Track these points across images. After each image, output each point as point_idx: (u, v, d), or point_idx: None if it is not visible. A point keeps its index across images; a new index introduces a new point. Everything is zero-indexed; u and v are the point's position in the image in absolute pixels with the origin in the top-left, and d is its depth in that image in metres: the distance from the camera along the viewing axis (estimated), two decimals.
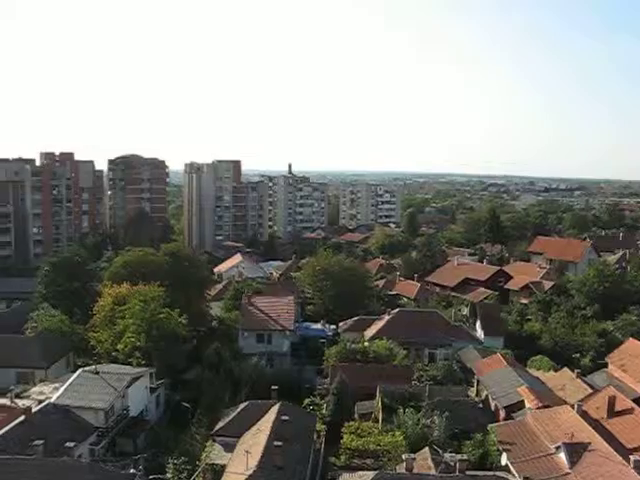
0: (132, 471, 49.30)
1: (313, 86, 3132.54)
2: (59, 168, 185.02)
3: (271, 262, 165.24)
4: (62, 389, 62.09)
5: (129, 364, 71.07)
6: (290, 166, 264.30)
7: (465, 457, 48.19)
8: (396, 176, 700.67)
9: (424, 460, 49.42)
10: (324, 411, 66.40)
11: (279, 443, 49.21)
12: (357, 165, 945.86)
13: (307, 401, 68.59)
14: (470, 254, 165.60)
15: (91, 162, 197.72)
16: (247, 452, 48.11)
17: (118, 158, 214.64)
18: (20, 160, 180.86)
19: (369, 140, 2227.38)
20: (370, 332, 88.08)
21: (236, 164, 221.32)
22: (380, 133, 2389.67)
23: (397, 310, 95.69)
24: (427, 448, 51.94)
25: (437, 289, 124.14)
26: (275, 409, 57.60)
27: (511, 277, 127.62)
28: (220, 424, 60.44)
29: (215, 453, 56.71)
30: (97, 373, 63.91)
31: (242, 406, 62.15)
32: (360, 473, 49.06)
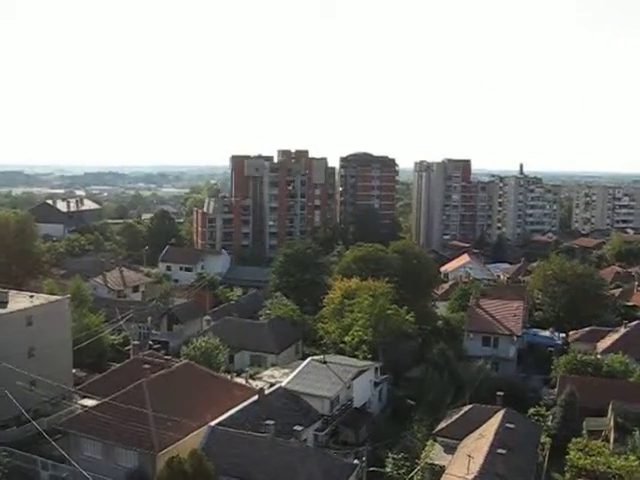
0: (355, 461, 50.61)
1: (541, 84, 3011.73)
2: (295, 165, 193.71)
3: (499, 264, 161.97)
4: (292, 375, 64.98)
5: (355, 357, 72.93)
6: (522, 166, 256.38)
7: None
8: (636, 178, 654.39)
9: None
10: (549, 423, 63.80)
11: (502, 451, 48.07)
12: (592, 166, 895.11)
13: (532, 411, 66.26)
14: None
15: (324, 159, 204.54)
16: (469, 456, 47.48)
17: (350, 156, 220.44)
18: (260, 157, 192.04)
19: (605, 139, 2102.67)
20: (604, 344, 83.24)
21: (466, 163, 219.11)
22: (617, 131, 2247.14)
23: (635, 323, 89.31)
24: None
25: None
26: (500, 415, 56.31)
27: None
28: (442, 424, 60.25)
29: (435, 453, 56.61)
30: (325, 363, 66.13)
31: (465, 409, 61.52)
32: None
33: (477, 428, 56.03)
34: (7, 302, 66.75)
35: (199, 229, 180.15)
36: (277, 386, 63.30)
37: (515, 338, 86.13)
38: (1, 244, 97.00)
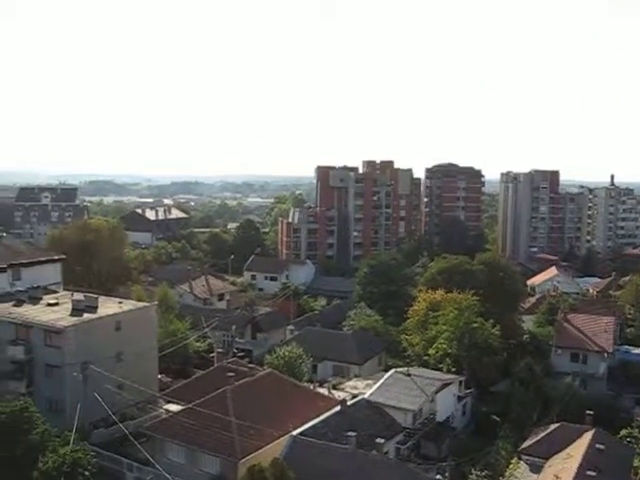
0: (438, 477, 49.76)
1: (632, 91, 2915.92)
2: (380, 176, 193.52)
3: (588, 278, 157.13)
4: (375, 387, 64.61)
5: (439, 370, 71.97)
6: (612, 177, 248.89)
7: None
8: None
9: None
10: None
11: (592, 473, 46.41)
12: None
13: (624, 432, 63.52)
14: None
15: (409, 170, 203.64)
16: (556, 477, 46.11)
17: (435, 167, 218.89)
18: (345, 168, 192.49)
19: None
20: None
21: (554, 174, 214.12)
22: None
23: None
24: None
25: None
26: (589, 435, 54.38)
27: None
28: (528, 442, 58.62)
29: (520, 471, 55.13)
30: (409, 375, 65.56)
31: (553, 427, 59.65)
32: None
33: (565, 448, 54.29)
34: (97, 307, 68.68)
35: (284, 239, 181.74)
36: (360, 397, 63.04)
37: (606, 355, 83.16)
38: (93, 251, 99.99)
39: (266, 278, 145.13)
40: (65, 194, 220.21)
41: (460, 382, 70.40)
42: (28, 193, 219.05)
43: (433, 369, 72.21)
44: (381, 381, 65.71)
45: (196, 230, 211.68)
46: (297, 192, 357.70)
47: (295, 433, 51.14)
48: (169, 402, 61.97)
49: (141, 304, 74.28)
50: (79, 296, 70.63)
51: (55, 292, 76.32)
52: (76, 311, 67.27)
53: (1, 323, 66.88)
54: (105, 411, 57.49)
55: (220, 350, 75.35)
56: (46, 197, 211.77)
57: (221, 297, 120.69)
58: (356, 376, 78.82)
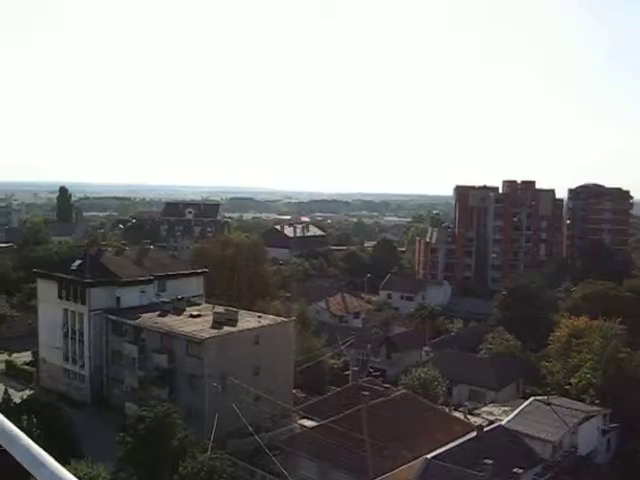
0: None
1: None
2: (521, 196, 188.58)
3: None
4: (513, 414, 62.39)
5: (582, 400, 68.68)
6: None
7: None
8: None
9: None
10: None
11: None
12: None
13: None
14: None
15: (551, 191, 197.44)
16: None
17: (579, 187, 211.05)
18: (485, 188, 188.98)
19: None
20: None
21: None
22: None
23: None
24: None
25: None
26: None
27: None
28: None
29: None
30: (549, 404, 62.95)
31: None
32: None
33: None
34: (237, 320, 70.53)
35: (421, 259, 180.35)
36: (497, 424, 61.06)
37: None
38: (233, 266, 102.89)
39: (402, 298, 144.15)
40: (208, 210, 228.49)
41: (605, 415, 66.81)
42: (173, 208, 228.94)
43: (575, 399, 68.92)
44: (519, 408, 63.34)
45: (333, 248, 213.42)
46: (434, 212, 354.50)
47: (430, 456, 50.18)
48: (303, 417, 62.56)
49: (279, 319, 75.64)
50: (220, 309, 72.92)
51: (197, 304, 79.13)
52: (217, 324, 69.43)
53: (148, 332, 70.07)
54: (239, 422, 58.66)
55: (355, 368, 75.38)
56: (190, 212, 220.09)
57: (357, 315, 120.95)
58: (492, 402, 76.72)
